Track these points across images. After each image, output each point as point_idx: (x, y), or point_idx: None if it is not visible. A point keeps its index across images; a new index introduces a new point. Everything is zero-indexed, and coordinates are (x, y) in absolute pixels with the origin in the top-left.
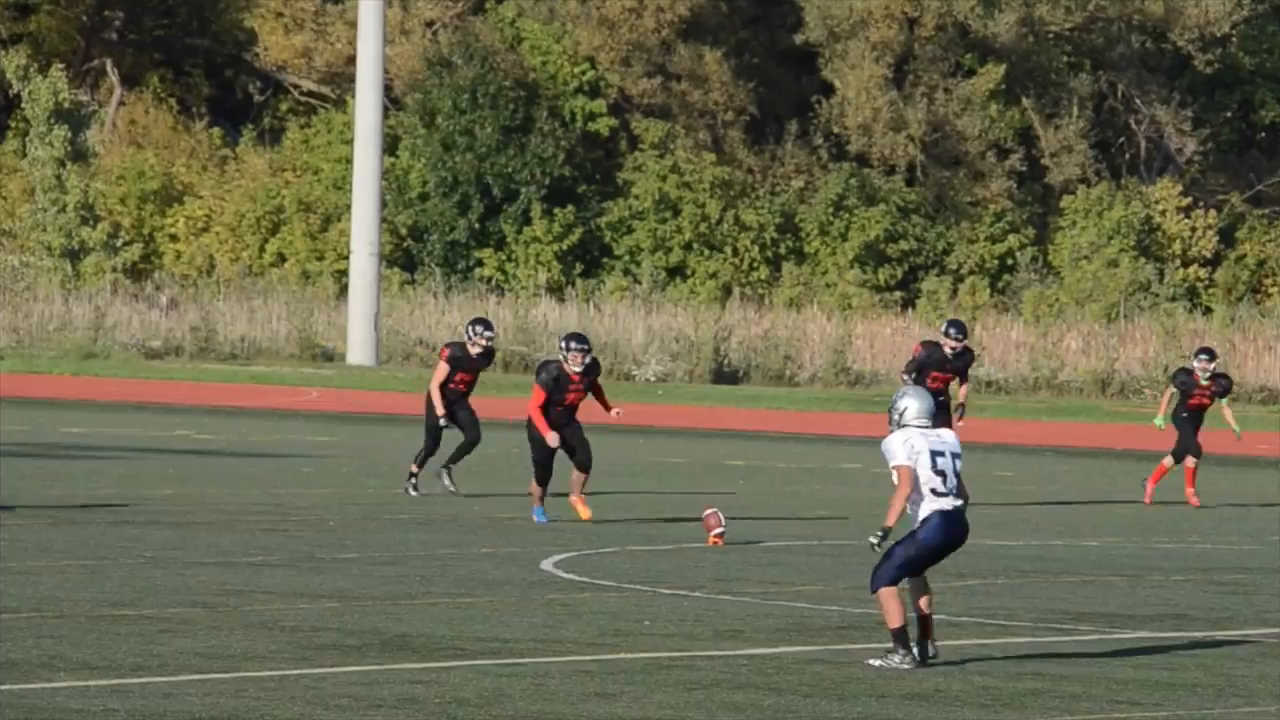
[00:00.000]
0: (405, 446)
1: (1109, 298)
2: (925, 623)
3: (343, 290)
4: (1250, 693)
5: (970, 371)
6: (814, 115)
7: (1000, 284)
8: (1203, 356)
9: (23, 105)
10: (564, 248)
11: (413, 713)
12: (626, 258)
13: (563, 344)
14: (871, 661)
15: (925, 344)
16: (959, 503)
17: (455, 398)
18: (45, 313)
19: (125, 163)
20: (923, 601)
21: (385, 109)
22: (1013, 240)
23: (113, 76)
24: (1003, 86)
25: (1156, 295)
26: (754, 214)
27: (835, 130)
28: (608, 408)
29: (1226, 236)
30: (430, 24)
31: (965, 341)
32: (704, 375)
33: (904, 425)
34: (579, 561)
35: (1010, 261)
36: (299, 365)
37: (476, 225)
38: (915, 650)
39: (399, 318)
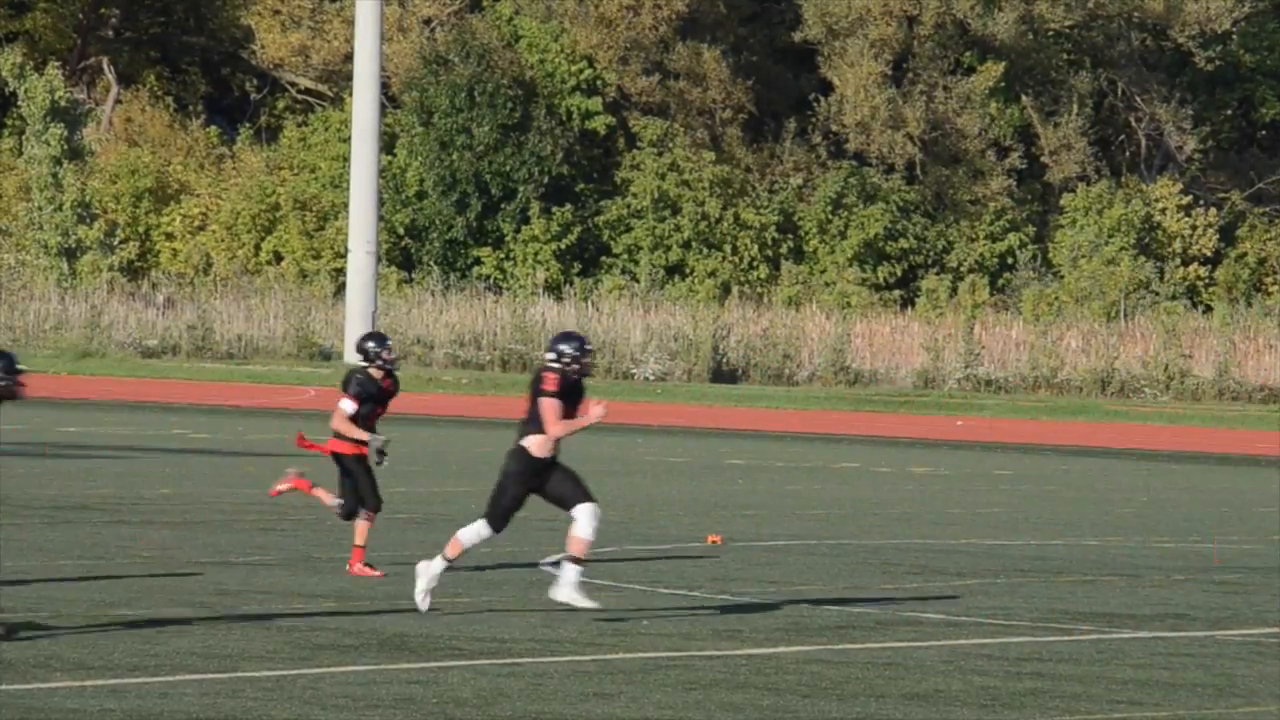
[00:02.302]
0: (401, 445)
1: (1109, 296)
2: None
3: (340, 289)
4: (1250, 692)
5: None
6: (812, 113)
7: (1000, 282)
8: None
9: (19, 103)
10: (562, 246)
11: (410, 713)
12: (625, 256)
13: None
14: None
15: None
16: None
17: None
18: (41, 311)
19: (121, 161)
20: None
21: (382, 107)
22: (1012, 238)
23: (109, 74)
24: (1002, 84)
25: (1157, 294)
26: (753, 213)
27: (834, 128)
28: None
29: (1227, 235)
30: (428, 22)
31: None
32: (703, 374)
33: None
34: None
35: (1010, 260)
36: (296, 364)
37: (474, 224)
38: None
39: (396, 316)
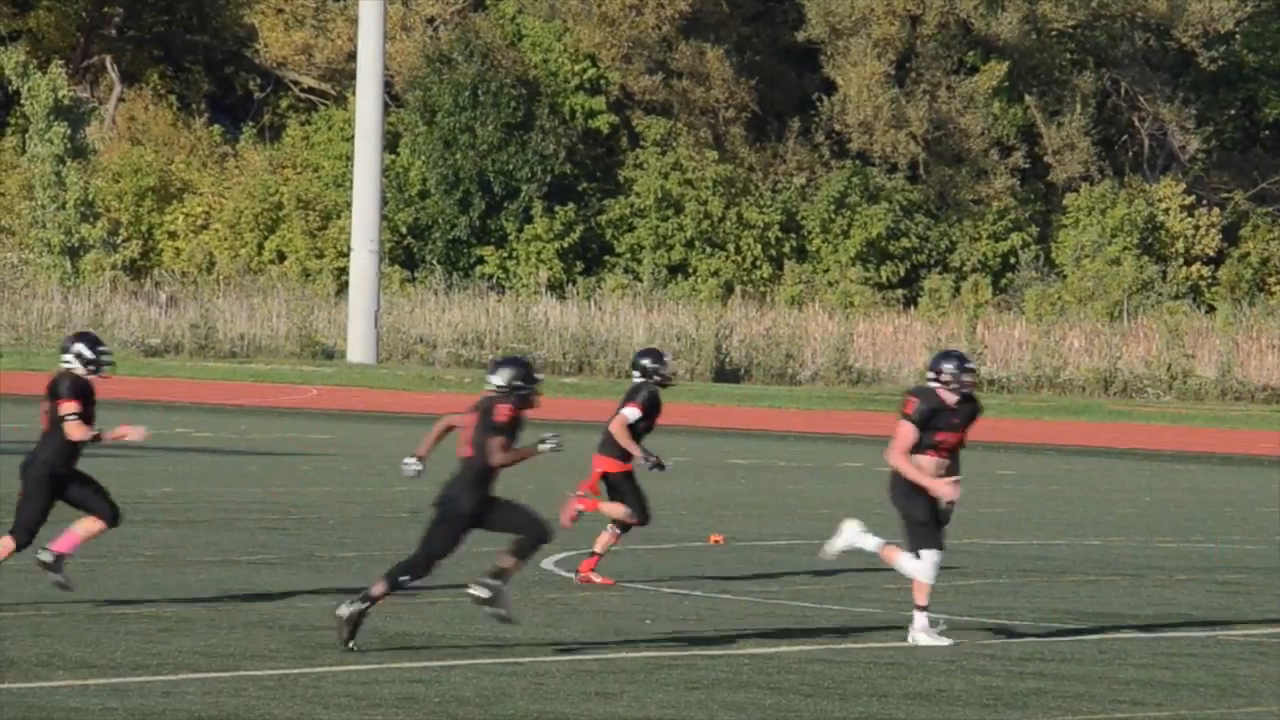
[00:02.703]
0: (405, 444)
1: (1112, 296)
2: None
3: (342, 288)
4: (1253, 692)
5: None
6: (816, 112)
7: (1003, 282)
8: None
9: (22, 102)
10: (565, 245)
11: (412, 711)
12: (628, 256)
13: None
14: None
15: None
16: None
17: None
18: (44, 310)
19: (124, 159)
20: None
21: (386, 106)
22: (1015, 238)
23: (112, 73)
24: (1005, 84)
25: (1159, 294)
26: (756, 212)
27: (837, 128)
28: None
29: (1230, 234)
30: (431, 20)
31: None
32: (706, 373)
33: None
34: (579, 560)
35: (1013, 259)
36: (299, 363)
37: (477, 223)
38: None
39: (399, 315)
